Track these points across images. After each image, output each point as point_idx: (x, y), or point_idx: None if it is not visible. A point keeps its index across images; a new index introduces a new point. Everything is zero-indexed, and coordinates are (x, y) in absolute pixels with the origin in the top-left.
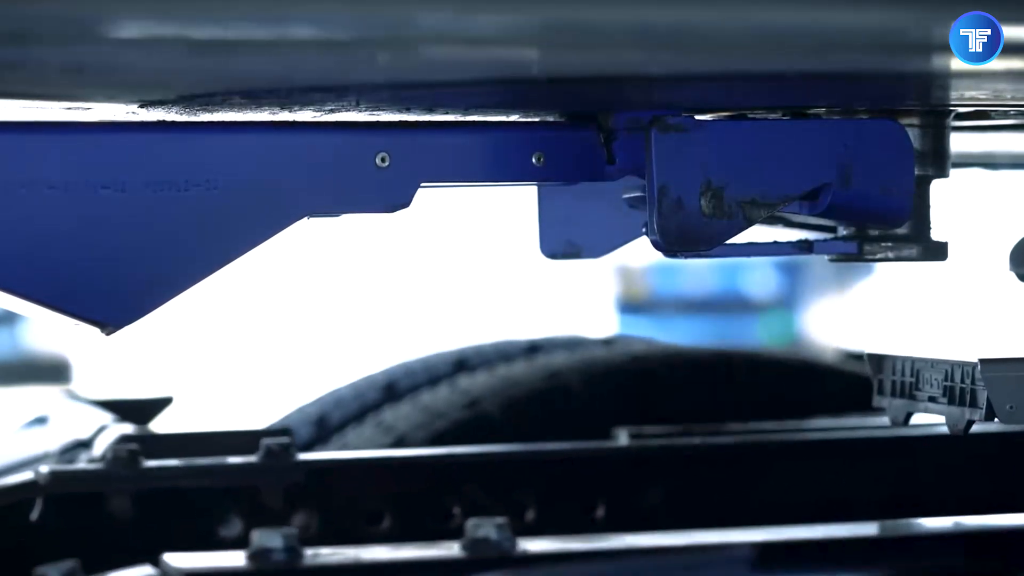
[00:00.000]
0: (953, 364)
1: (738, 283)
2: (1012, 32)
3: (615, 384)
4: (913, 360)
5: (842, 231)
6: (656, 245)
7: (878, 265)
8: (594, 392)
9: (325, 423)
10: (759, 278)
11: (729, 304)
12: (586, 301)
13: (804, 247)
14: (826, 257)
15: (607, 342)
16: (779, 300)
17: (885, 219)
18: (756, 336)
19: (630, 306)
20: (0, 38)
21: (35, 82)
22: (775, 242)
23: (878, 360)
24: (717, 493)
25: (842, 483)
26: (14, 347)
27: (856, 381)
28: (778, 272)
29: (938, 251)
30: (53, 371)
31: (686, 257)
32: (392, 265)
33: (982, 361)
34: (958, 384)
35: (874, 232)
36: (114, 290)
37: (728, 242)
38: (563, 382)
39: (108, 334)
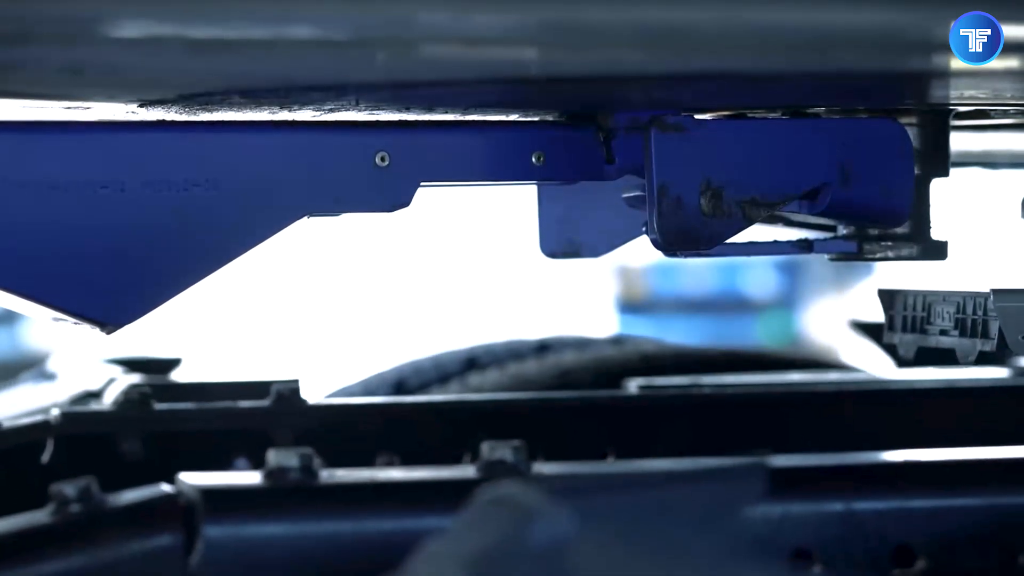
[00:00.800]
0: (965, 296)
1: (738, 283)
2: (1012, 32)
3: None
4: (925, 294)
5: (842, 230)
6: (656, 245)
7: (877, 265)
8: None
9: None
10: (759, 278)
11: (729, 304)
12: (586, 301)
13: (804, 247)
14: (826, 257)
15: (616, 341)
16: (779, 300)
17: (885, 219)
18: (756, 336)
19: (630, 306)
20: (0, 38)
21: (35, 82)
22: (775, 241)
23: (889, 296)
24: (727, 443)
25: (852, 433)
26: (14, 347)
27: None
28: (778, 272)
29: (938, 250)
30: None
31: (686, 257)
32: (401, 264)
33: (994, 291)
34: (970, 316)
35: (874, 231)
36: (114, 290)
37: (728, 242)
38: (573, 381)
39: (108, 334)
